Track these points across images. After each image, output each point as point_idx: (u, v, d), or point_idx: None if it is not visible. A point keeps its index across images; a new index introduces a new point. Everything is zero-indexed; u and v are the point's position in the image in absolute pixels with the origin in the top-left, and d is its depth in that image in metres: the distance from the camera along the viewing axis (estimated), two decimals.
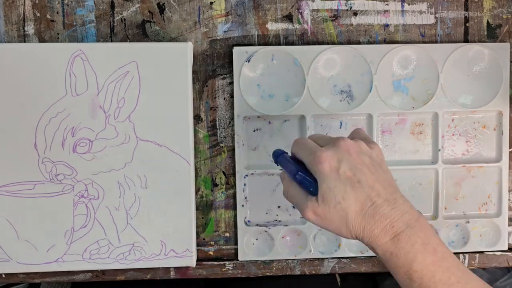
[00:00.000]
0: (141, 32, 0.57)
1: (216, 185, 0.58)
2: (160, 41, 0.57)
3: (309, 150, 0.44)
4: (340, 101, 0.58)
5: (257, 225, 0.58)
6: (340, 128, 0.58)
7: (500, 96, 0.58)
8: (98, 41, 0.57)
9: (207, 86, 0.58)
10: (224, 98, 0.58)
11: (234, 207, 0.59)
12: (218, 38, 0.58)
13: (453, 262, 0.42)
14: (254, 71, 0.57)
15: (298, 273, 0.59)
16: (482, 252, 0.60)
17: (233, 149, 0.58)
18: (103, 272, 0.58)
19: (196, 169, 0.58)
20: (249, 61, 0.56)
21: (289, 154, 0.48)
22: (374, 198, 0.41)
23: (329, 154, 0.42)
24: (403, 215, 0.41)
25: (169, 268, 0.58)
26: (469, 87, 0.58)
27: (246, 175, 0.58)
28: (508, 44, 0.58)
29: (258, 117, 0.57)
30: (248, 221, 0.59)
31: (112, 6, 0.57)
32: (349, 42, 0.58)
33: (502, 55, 0.58)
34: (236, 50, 0.56)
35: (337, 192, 0.42)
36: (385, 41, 0.58)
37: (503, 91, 0.58)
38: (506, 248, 0.60)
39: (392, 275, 0.43)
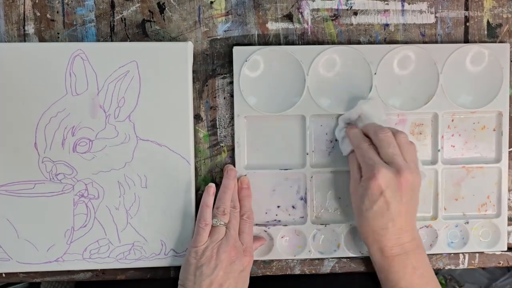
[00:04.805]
0: (141, 31, 0.57)
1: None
2: (160, 40, 0.57)
3: (368, 160, 0.51)
4: (340, 101, 0.58)
5: (256, 224, 0.58)
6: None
7: (500, 96, 0.58)
8: (98, 40, 0.57)
9: (207, 85, 0.58)
10: (224, 98, 0.58)
11: None
12: (218, 37, 0.58)
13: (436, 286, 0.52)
14: (254, 71, 0.57)
15: (298, 272, 0.59)
16: (482, 251, 0.60)
17: (233, 149, 0.58)
18: (103, 271, 0.58)
19: (196, 168, 0.58)
20: (249, 60, 0.56)
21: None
22: (390, 223, 0.50)
23: (384, 176, 0.50)
24: (405, 244, 0.51)
25: (169, 267, 0.58)
26: (469, 88, 0.58)
27: (246, 175, 0.58)
28: (508, 44, 0.58)
29: (258, 116, 0.57)
30: None
31: (112, 5, 0.57)
32: (349, 42, 0.58)
33: (502, 55, 0.58)
34: (236, 49, 0.56)
35: (368, 204, 0.51)
36: (385, 41, 0.58)
37: (503, 91, 0.58)
38: (505, 248, 0.60)
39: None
